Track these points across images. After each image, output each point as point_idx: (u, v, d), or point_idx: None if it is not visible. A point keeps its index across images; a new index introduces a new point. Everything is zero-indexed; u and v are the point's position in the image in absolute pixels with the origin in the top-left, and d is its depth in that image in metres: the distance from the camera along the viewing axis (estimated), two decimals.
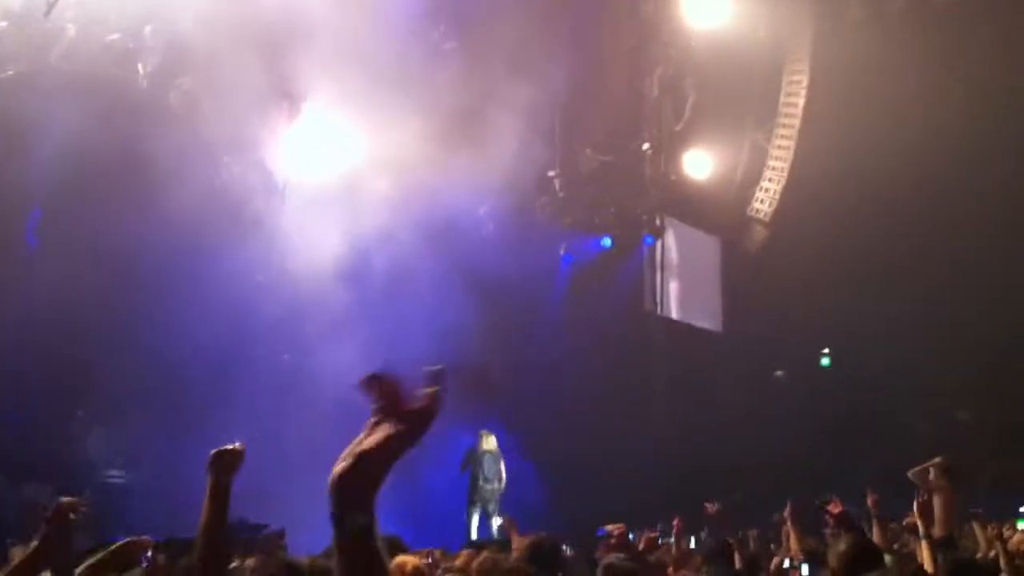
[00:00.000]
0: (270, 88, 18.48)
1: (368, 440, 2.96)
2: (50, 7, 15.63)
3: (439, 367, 3.02)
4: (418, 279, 18.11)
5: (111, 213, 15.55)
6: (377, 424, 2.97)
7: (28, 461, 15.18)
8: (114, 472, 16.24)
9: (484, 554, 8.78)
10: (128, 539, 6.71)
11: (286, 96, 18.81)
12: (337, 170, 19.12)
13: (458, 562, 8.59)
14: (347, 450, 2.99)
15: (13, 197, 15.31)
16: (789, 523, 9.95)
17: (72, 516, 5.71)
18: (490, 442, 17.06)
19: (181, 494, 15.29)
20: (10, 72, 16.40)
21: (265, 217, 18.80)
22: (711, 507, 10.04)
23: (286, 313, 17.55)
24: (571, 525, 16.84)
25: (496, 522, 16.59)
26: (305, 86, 18.75)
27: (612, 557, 7.30)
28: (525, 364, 19.79)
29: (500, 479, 16.98)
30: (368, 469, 2.91)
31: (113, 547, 6.51)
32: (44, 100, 15.79)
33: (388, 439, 2.92)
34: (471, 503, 16.91)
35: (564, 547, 9.50)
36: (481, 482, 16.78)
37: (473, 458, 16.93)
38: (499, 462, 17.00)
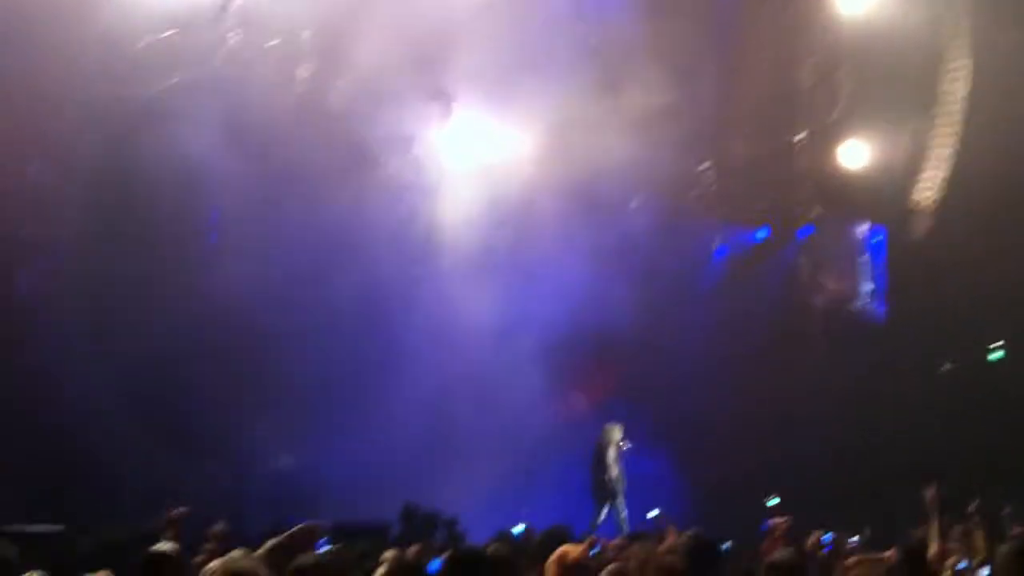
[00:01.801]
0: (423, 88, 18.87)
1: None
2: (221, 11, 16.18)
3: None
4: (567, 269, 18.16)
5: (277, 211, 16.13)
6: None
7: (203, 444, 15.90)
8: (284, 457, 16.81)
9: (635, 546, 8.75)
10: (305, 524, 6.88)
11: (438, 95, 19.17)
12: (488, 163, 19.43)
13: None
14: None
15: (191, 198, 16.01)
16: (975, 523, 9.58)
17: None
18: (612, 434, 16.91)
19: (346, 479, 15.89)
20: (176, 78, 17.11)
21: (421, 211, 19.24)
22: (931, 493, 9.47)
23: (441, 305, 17.91)
24: (726, 521, 16.67)
25: (623, 515, 16.52)
26: (456, 84, 19.07)
27: (776, 554, 7.07)
28: (678, 357, 19.68)
29: (612, 468, 16.77)
30: None
31: (292, 531, 6.69)
32: (209, 105, 16.44)
33: None
34: (594, 496, 16.83)
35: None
36: (600, 475, 16.71)
37: (597, 451, 16.87)
38: (614, 451, 16.82)
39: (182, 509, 8.17)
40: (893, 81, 20.87)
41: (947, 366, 19.56)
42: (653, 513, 14.68)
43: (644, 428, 17.54)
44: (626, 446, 16.74)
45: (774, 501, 13.48)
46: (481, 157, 19.32)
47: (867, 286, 20.97)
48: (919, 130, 21.01)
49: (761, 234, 21.18)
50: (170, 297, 15.36)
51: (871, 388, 18.83)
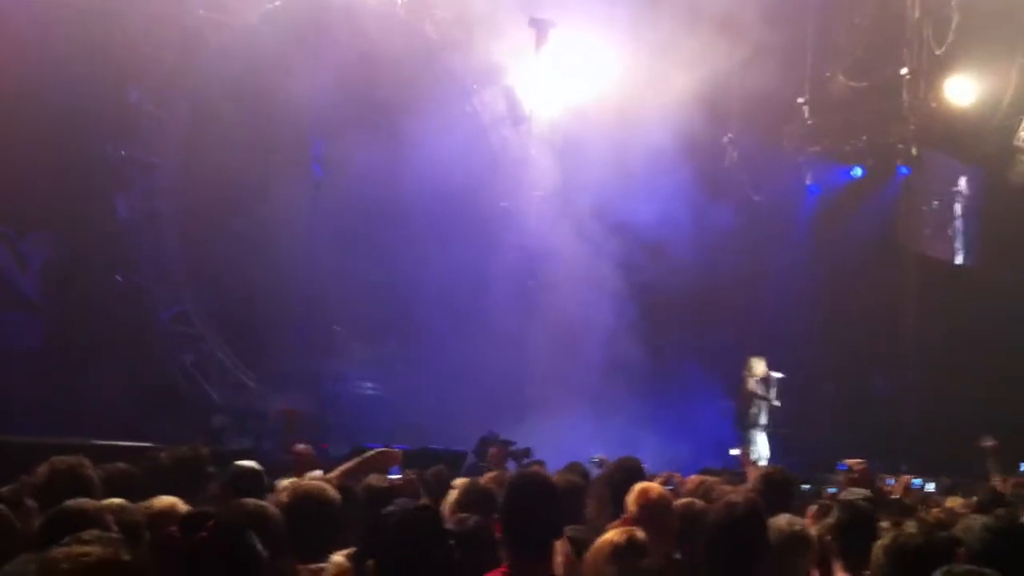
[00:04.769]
0: (519, 15, 18.82)
1: None
2: None
3: None
4: (658, 203, 18.11)
5: (374, 141, 16.34)
6: None
7: (288, 370, 16.44)
8: (368, 384, 17.26)
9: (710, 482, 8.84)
10: (381, 449, 7.19)
11: (534, 23, 19.11)
12: (580, 96, 19.37)
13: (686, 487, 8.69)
14: None
15: (297, 126, 16.24)
16: None
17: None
18: (753, 367, 17.17)
19: (427, 407, 16.33)
20: (277, 3, 17.36)
21: (512, 144, 19.33)
22: (989, 443, 9.58)
23: (528, 238, 18.08)
24: (809, 459, 16.73)
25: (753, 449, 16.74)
26: (552, 12, 19.00)
27: (853, 494, 7.09)
28: (767, 295, 19.62)
29: (748, 401, 17.05)
30: None
31: (366, 456, 7.01)
32: (308, 31, 16.67)
33: None
34: (741, 428, 17.14)
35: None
36: (742, 408, 17.05)
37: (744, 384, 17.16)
38: (752, 384, 17.09)
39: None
40: (1006, 13, 20.15)
41: None
42: (734, 451, 14.85)
43: (730, 364, 17.64)
44: (773, 377, 17.03)
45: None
46: (575, 87, 19.26)
47: (963, 230, 20.55)
48: None
49: (856, 172, 20.79)
50: (271, 227, 15.68)
51: (963, 334, 18.53)
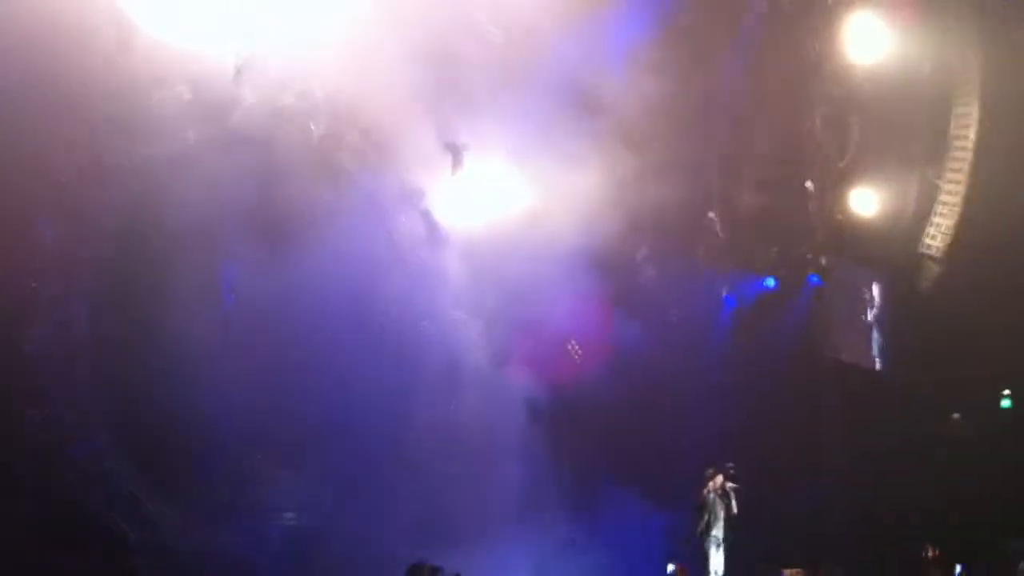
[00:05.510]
0: (434, 140, 19.08)
1: None
2: (237, 72, 16.57)
3: None
4: (576, 317, 18.25)
5: (288, 268, 16.28)
6: None
7: (212, 504, 15.96)
8: (290, 514, 16.85)
9: None
10: None
11: (448, 147, 19.37)
12: (498, 215, 19.59)
13: None
14: None
15: (209, 254, 16.12)
16: None
17: None
18: (708, 477, 17.18)
19: (353, 536, 15.94)
20: (192, 137, 17.34)
21: (431, 265, 19.40)
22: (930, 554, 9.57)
23: (452, 360, 18.05)
24: (737, 568, 16.69)
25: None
26: (466, 136, 19.30)
27: None
28: (688, 407, 19.71)
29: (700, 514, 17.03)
30: None
31: None
32: (224, 163, 16.66)
33: None
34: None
35: None
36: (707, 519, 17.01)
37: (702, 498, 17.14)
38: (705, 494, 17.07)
39: None
40: (902, 128, 21.02)
41: (956, 415, 19.50)
42: (670, 568, 14.72)
43: (654, 481, 17.62)
44: (728, 488, 16.97)
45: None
46: (490, 210, 19.51)
47: (874, 335, 21.01)
48: (928, 177, 21.11)
49: (769, 283, 21.23)
50: (184, 358, 15.40)
51: (878, 439, 18.83)
